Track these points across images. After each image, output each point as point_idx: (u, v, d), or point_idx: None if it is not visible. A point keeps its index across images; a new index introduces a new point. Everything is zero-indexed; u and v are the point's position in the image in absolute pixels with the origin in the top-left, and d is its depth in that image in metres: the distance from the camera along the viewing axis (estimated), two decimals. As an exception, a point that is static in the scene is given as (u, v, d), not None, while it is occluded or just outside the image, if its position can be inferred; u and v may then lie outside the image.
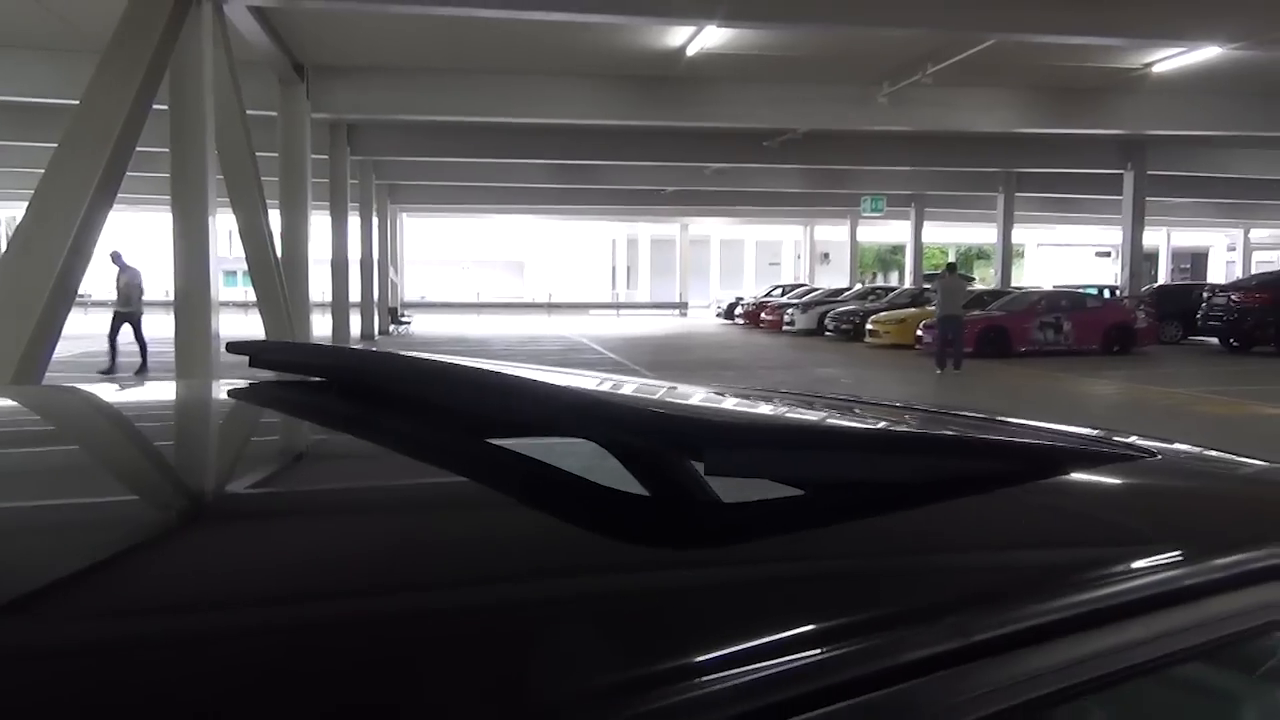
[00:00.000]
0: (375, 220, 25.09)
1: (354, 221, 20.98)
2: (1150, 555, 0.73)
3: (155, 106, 7.64)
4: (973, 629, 0.57)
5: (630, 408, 0.90)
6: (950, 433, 1.01)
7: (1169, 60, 14.21)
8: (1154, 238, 43.16)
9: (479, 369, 1.06)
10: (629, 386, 1.37)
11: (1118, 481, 0.92)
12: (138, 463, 0.99)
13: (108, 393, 1.64)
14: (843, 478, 0.76)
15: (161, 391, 1.64)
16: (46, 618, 0.53)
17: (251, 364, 1.40)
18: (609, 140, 20.55)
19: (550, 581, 0.61)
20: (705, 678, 0.48)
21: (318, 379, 1.32)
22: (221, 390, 1.38)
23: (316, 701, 0.46)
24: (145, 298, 13.60)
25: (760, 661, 0.50)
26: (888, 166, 24.02)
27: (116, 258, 13.16)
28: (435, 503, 0.81)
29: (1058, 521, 0.82)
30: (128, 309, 13.19)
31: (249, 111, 9.97)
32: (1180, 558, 0.74)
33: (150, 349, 12.98)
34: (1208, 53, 12.96)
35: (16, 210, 33.25)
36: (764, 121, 17.79)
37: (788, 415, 1.01)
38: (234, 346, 1.42)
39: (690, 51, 13.62)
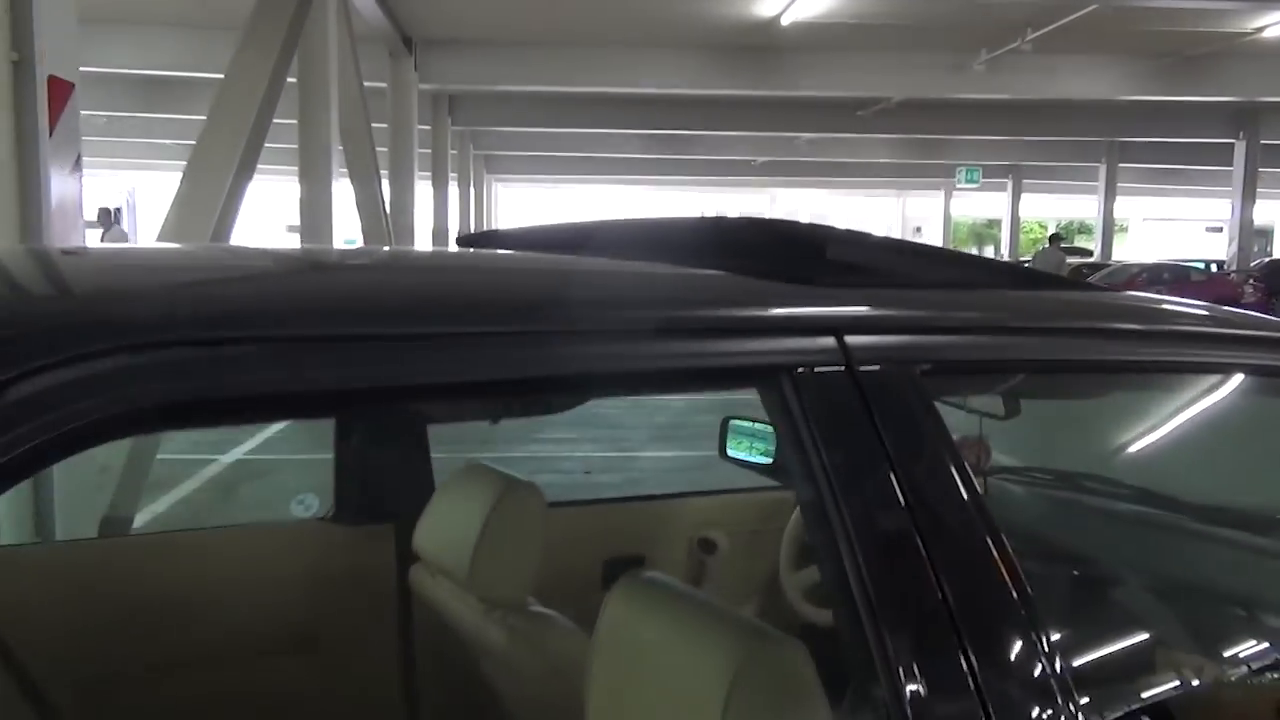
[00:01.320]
0: (472, 189, 25.75)
1: (452, 191, 21.64)
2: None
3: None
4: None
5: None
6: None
7: (1284, 24, 13.69)
8: (1271, 212, 41.22)
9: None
10: None
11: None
12: None
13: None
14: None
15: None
16: None
17: None
18: (700, 110, 20.64)
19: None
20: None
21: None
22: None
23: None
24: None
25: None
26: (984, 136, 23.50)
27: (107, 216, 12.20)
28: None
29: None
30: None
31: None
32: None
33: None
34: (1326, 16, 12.48)
35: (141, 178, 34.84)
36: (857, 90, 17.68)
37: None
38: (463, 240, 1.73)
39: (784, 21, 13.67)
